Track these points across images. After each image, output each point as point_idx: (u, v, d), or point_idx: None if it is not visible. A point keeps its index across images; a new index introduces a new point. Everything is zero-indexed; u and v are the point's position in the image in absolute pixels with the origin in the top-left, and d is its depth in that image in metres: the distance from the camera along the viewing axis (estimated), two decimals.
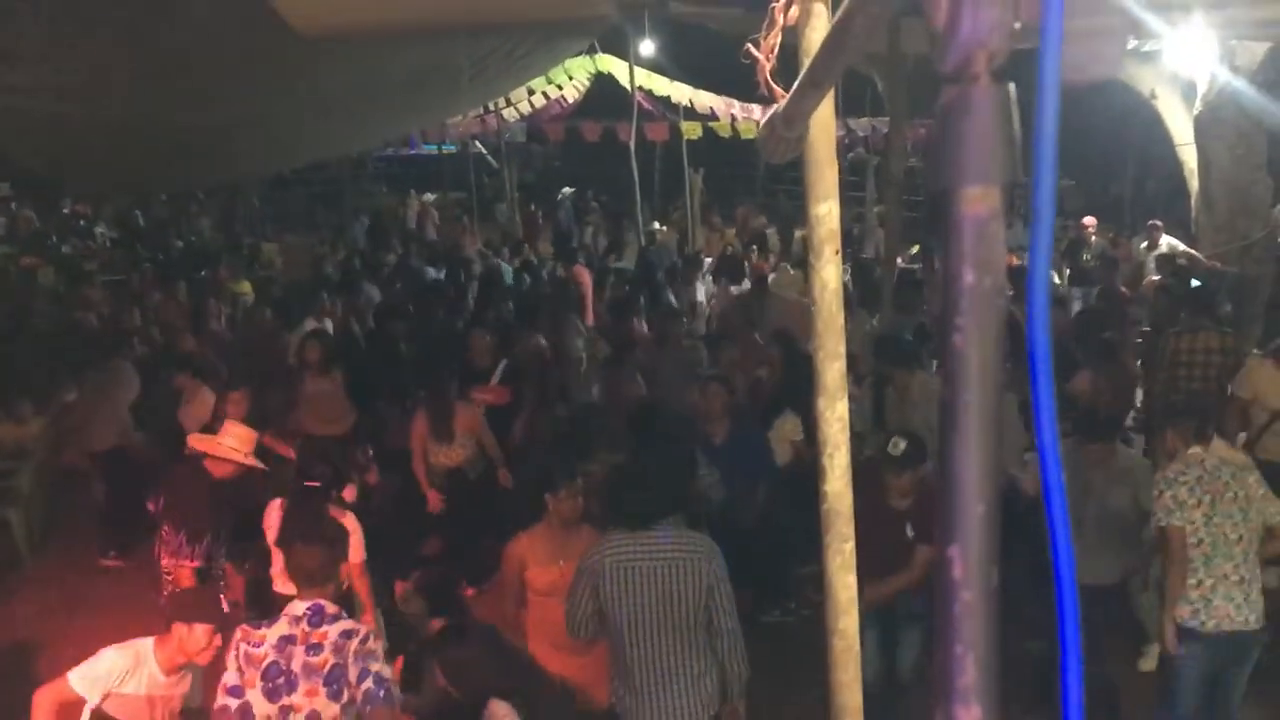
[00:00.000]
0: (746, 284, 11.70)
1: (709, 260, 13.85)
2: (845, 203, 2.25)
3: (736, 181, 24.63)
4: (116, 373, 8.25)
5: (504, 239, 17.42)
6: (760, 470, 6.55)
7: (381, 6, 6.85)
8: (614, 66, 17.72)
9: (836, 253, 2.04)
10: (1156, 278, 10.79)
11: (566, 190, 22.81)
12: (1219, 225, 9.15)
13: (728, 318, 10.20)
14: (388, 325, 9.81)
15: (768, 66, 2.01)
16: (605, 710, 4.44)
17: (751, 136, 17.68)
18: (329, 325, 9.50)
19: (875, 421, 6.64)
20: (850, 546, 2.14)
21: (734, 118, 18.69)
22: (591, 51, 17.58)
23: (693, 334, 9.81)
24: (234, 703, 3.73)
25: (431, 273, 13.11)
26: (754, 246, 15.27)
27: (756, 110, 17.53)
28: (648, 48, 14.26)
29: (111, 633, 4.23)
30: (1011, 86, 0.65)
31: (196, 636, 4.03)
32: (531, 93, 18.85)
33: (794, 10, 1.87)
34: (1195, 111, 9.17)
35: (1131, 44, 8.01)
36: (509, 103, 18.87)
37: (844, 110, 15.57)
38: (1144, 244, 12.76)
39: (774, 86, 2.01)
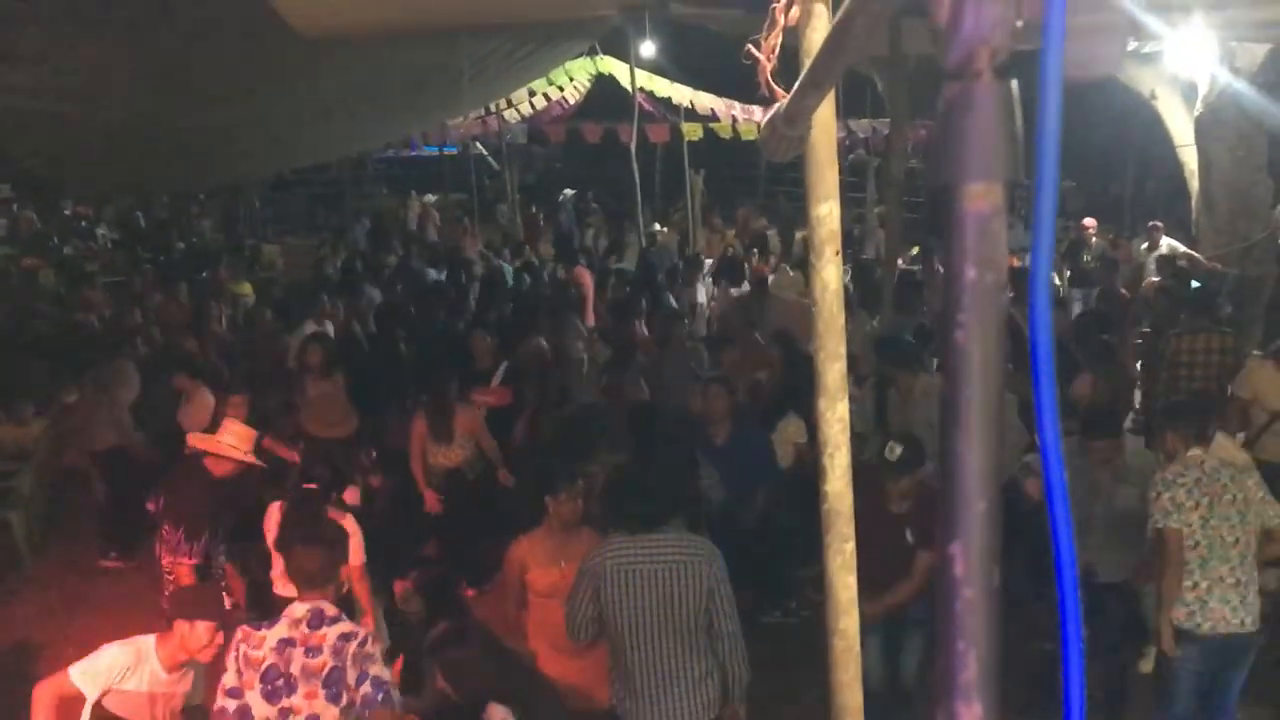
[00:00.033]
0: (746, 286, 11.71)
1: (709, 262, 13.85)
2: (846, 204, 2.25)
3: (737, 183, 24.64)
4: (118, 372, 8.25)
5: (505, 240, 17.42)
6: (762, 471, 6.54)
7: (381, 7, 6.85)
8: (615, 68, 17.74)
9: (837, 253, 2.04)
10: (1156, 279, 10.79)
11: (568, 192, 22.82)
12: (1219, 226, 9.15)
13: (728, 319, 10.21)
14: (388, 327, 9.81)
15: (769, 67, 2.01)
16: (606, 712, 4.44)
17: (752, 138, 17.71)
18: (329, 328, 9.49)
19: (878, 423, 6.64)
20: (850, 547, 2.14)
21: (735, 119, 18.70)
22: (592, 53, 17.60)
23: (693, 335, 9.81)
24: (233, 704, 3.73)
25: (432, 274, 13.11)
26: (754, 249, 15.27)
27: (757, 112, 17.53)
28: (648, 49, 14.26)
29: (112, 633, 4.23)
30: (1014, 84, 0.65)
31: (198, 634, 4.03)
32: (532, 94, 18.86)
33: (795, 11, 1.87)
34: (1196, 113, 9.18)
35: (1132, 45, 8.02)
36: (510, 104, 18.89)
37: (844, 111, 15.56)
38: (1144, 245, 12.77)
39: (775, 87, 2.01)
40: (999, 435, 0.64)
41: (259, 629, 3.80)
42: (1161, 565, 4.75)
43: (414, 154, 25.35)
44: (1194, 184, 9.81)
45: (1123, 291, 10.48)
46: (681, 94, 18.35)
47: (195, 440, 5.88)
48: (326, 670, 3.70)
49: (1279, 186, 9.25)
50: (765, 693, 4.84)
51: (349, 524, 5.25)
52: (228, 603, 4.37)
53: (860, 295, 9.71)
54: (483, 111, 18.71)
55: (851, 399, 2.19)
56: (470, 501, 7.12)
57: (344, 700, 3.72)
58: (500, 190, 22.04)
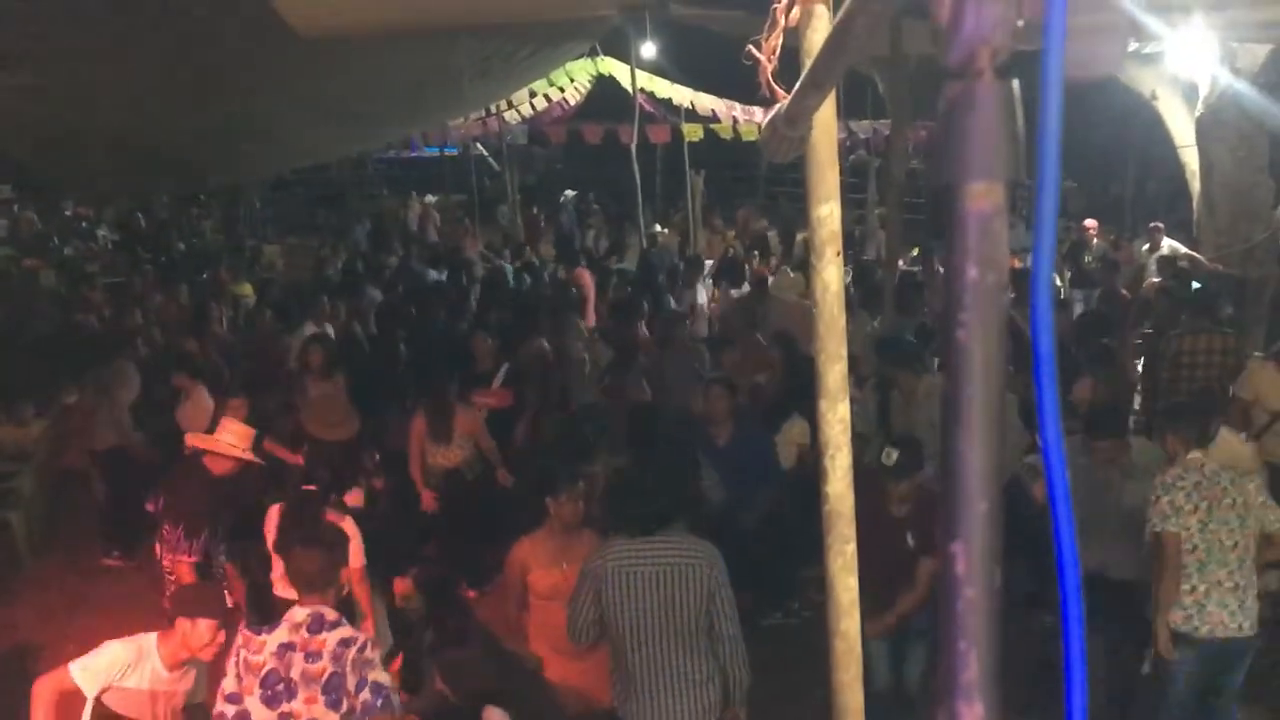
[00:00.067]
0: (746, 287, 11.70)
1: (710, 263, 13.85)
2: (846, 205, 2.25)
3: (738, 184, 24.66)
4: (118, 373, 8.25)
5: (505, 241, 17.43)
6: (763, 473, 6.54)
7: (382, 7, 6.85)
8: (615, 69, 17.74)
9: (838, 255, 2.04)
10: (1157, 280, 10.79)
11: (569, 193, 22.82)
12: (1220, 228, 9.15)
13: (729, 320, 10.21)
14: (389, 327, 9.81)
15: (769, 68, 2.01)
16: (607, 714, 4.43)
17: (753, 139, 17.70)
18: (329, 329, 9.49)
19: (880, 425, 6.63)
20: (851, 548, 2.14)
21: (735, 120, 18.71)
22: (593, 54, 17.61)
23: (694, 336, 9.81)
24: (231, 710, 3.72)
25: (433, 275, 13.11)
26: (755, 251, 15.28)
27: (758, 112, 17.49)
28: (649, 50, 14.26)
29: (113, 634, 4.22)
30: (1015, 84, 0.65)
31: (200, 632, 4.03)
32: (533, 95, 18.87)
33: (795, 11, 1.87)
34: (1196, 113, 9.17)
35: (1133, 46, 8.01)
36: (510, 105, 18.90)
37: (845, 112, 15.56)
38: (1145, 246, 12.77)
39: (776, 88, 2.01)
40: (1000, 435, 0.64)
41: (259, 634, 3.79)
42: (1159, 569, 4.76)
43: (414, 155, 25.37)
44: (1195, 185, 9.80)
45: (1124, 292, 10.48)
46: (682, 95, 18.36)
47: (194, 439, 5.89)
48: (326, 676, 3.70)
49: None
50: (766, 694, 4.84)
51: (348, 526, 5.25)
52: (229, 601, 4.36)
53: (861, 296, 9.71)
54: (483, 112, 18.73)
55: (852, 400, 2.18)
56: (468, 502, 7.12)
57: (344, 706, 3.71)
58: (501, 191, 22.05)
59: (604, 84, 18.78)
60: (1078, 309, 10.20)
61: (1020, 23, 0.64)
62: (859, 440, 4.43)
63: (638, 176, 14.27)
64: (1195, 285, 9.01)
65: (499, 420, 7.59)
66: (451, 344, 8.99)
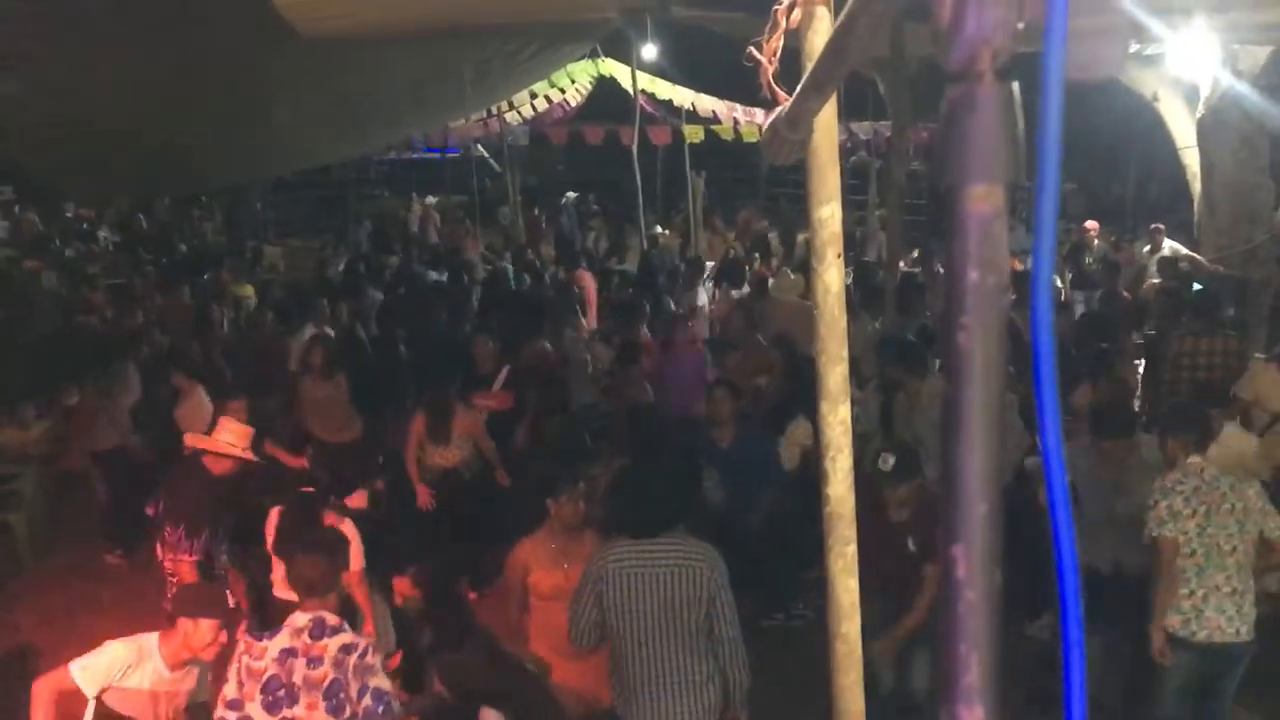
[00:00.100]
0: (747, 288, 11.71)
1: (710, 265, 13.86)
2: (847, 206, 2.24)
3: (739, 185, 24.66)
4: (120, 375, 8.25)
5: (507, 243, 17.43)
6: (766, 475, 6.55)
7: (384, 9, 6.86)
8: (616, 70, 17.76)
9: (839, 256, 2.04)
10: (1157, 281, 10.79)
11: (570, 195, 22.83)
12: (1221, 229, 9.14)
13: (729, 322, 10.21)
14: (389, 328, 9.82)
15: (770, 70, 2.01)
16: (607, 715, 4.43)
17: (753, 140, 17.73)
18: (329, 332, 9.50)
19: (884, 427, 6.63)
20: (852, 550, 2.14)
21: (736, 121, 18.73)
22: (594, 55, 17.63)
23: (697, 338, 9.82)
24: (233, 716, 3.72)
25: (433, 276, 13.12)
26: (756, 253, 15.28)
27: (759, 114, 17.55)
28: (650, 51, 14.28)
29: (115, 636, 4.22)
30: (1015, 86, 0.65)
31: (203, 632, 4.02)
32: (534, 96, 18.89)
33: (796, 13, 1.87)
34: (1198, 115, 9.17)
35: (1134, 47, 8.01)
36: (511, 106, 18.91)
37: (846, 113, 15.57)
38: (1147, 248, 12.77)
39: (777, 89, 2.01)
40: (1000, 438, 0.64)
41: (260, 640, 3.79)
42: (1155, 573, 4.77)
43: (415, 156, 25.37)
44: (1196, 186, 9.80)
45: (1125, 294, 10.48)
46: (683, 96, 18.38)
47: (193, 440, 5.90)
48: (327, 682, 3.69)
49: None
50: (768, 696, 4.83)
51: (348, 529, 5.25)
52: (230, 602, 4.36)
53: (862, 297, 9.71)
54: (484, 113, 18.73)
55: (854, 402, 2.18)
56: (465, 502, 7.12)
57: (346, 712, 3.71)
58: (502, 192, 22.05)
59: (605, 85, 18.81)
60: (1078, 310, 10.20)
61: (1021, 25, 0.64)
62: (860, 442, 4.43)
63: (638, 178, 14.28)
64: (1197, 287, 9.01)
65: (500, 423, 7.60)
66: (452, 345, 8.99)
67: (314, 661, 3.72)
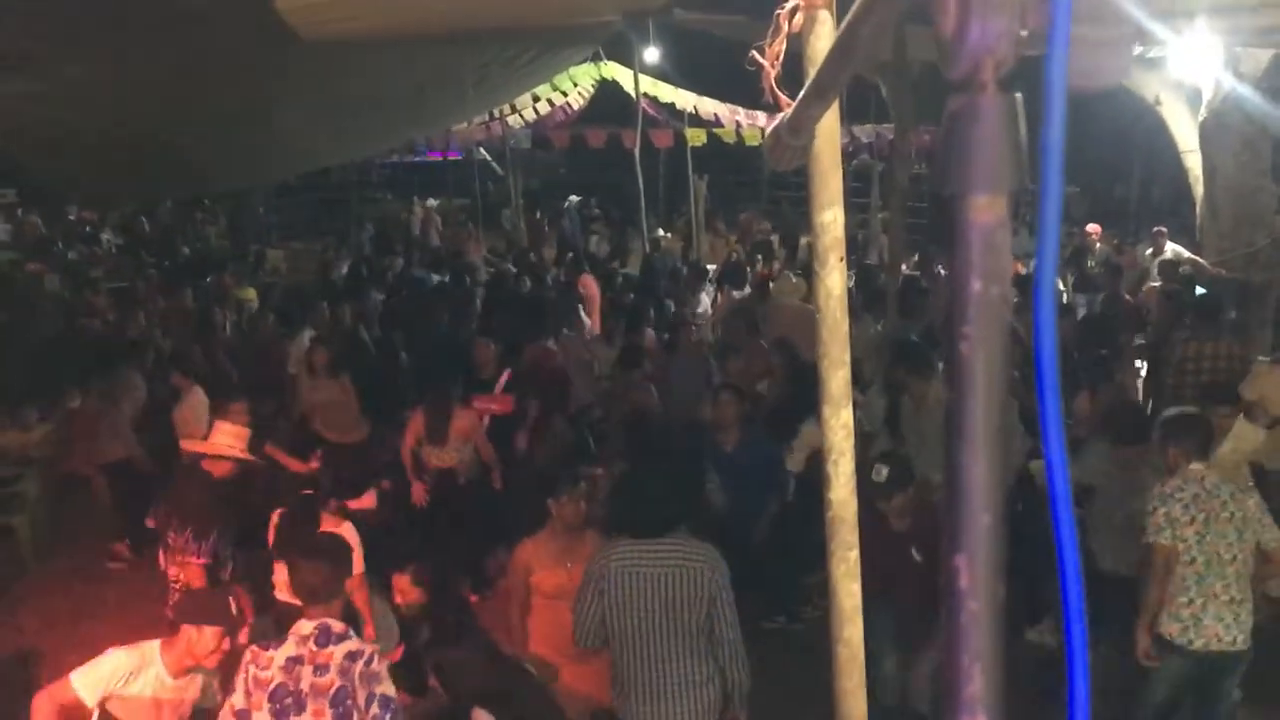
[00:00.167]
0: (748, 289, 11.71)
1: (712, 268, 13.87)
2: (849, 209, 2.24)
3: (741, 188, 24.67)
4: (125, 382, 8.26)
5: (509, 246, 17.44)
6: (770, 479, 6.55)
7: (386, 12, 6.86)
8: (618, 73, 17.77)
9: (841, 260, 2.03)
10: (1157, 283, 10.79)
11: (573, 198, 22.85)
12: (1224, 232, 9.13)
13: (730, 324, 10.22)
14: (388, 331, 9.84)
15: (773, 74, 2.01)
16: (607, 716, 4.43)
17: (756, 143, 17.73)
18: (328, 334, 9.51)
19: (889, 429, 6.62)
20: (854, 555, 2.13)
21: (738, 124, 18.75)
22: (596, 58, 17.64)
23: (701, 341, 9.83)
24: None
25: (435, 278, 13.14)
26: (759, 255, 15.29)
27: (761, 117, 17.59)
28: (652, 54, 14.29)
29: (117, 640, 4.22)
30: (1018, 95, 0.65)
31: (205, 639, 4.01)
32: (536, 99, 18.90)
33: (799, 17, 1.87)
34: (1200, 118, 9.16)
35: (1136, 50, 7.99)
36: (514, 109, 18.92)
37: (849, 117, 15.58)
38: (1149, 251, 12.76)
39: (779, 94, 2.01)
40: (1004, 448, 0.64)
41: (267, 649, 3.79)
42: (1144, 575, 4.78)
43: (417, 159, 25.40)
44: (1198, 189, 9.79)
45: (1127, 297, 10.47)
46: (685, 99, 18.39)
47: (190, 445, 5.90)
48: (334, 690, 3.69)
49: None
50: (769, 699, 4.83)
51: (347, 531, 5.25)
52: (233, 608, 4.36)
53: (864, 300, 9.72)
54: (486, 116, 18.75)
55: (856, 405, 2.18)
56: (460, 503, 7.12)
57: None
58: (504, 195, 22.07)
59: (607, 88, 18.82)
60: (1080, 313, 10.20)
61: (1024, 33, 0.63)
62: (862, 444, 4.42)
63: (641, 181, 14.28)
64: (1200, 291, 9.01)
65: (501, 426, 7.60)
66: (453, 348, 9.00)
67: (320, 669, 3.72)
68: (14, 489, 8.17)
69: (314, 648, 3.76)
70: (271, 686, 3.69)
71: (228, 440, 5.63)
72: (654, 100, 18.16)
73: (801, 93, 1.73)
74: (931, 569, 4.85)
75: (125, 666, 3.92)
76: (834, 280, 2.04)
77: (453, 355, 8.60)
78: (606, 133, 19.25)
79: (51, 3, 5.71)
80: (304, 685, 3.70)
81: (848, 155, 18.53)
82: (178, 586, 5.37)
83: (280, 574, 5.35)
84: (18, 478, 8.30)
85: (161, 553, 5.60)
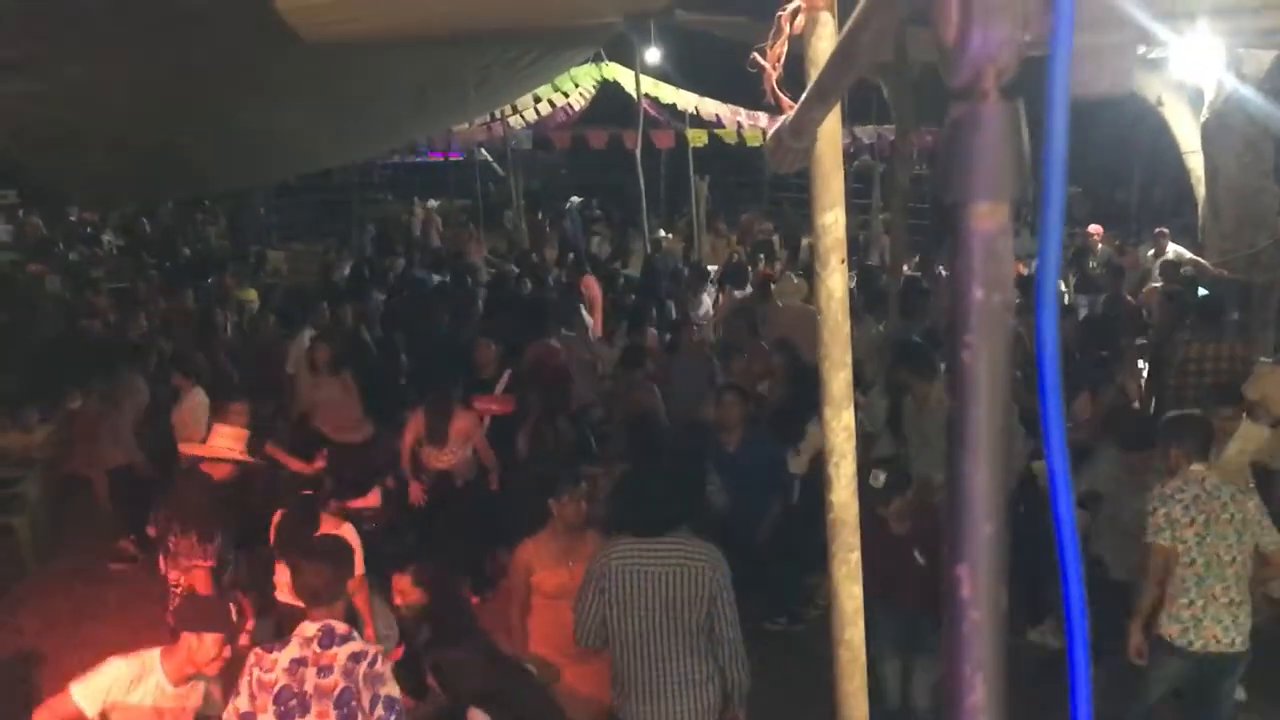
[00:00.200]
0: (749, 289, 11.71)
1: (713, 269, 13.88)
2: (851, 210, 2.24)
3: (742, 189, 24.67)
4: (127, 384, 8.26)
5: (511, 247, 17.44)
6: (772, 480, 6.55)
7: (387, 14, 6.86)
8: (620, 74, 17.77)
9: (842, 261, 2.03)
10: (1158, 284, 10.78)
11: (575, 199, 22.86)
12: (1226, 233, 9.12)
13: (731, 324, 10.22)
14: (389, 332, 9.84)
15: (774, 75, 2.01)
16: (607, 717, 4.43)
17: (757, 144, 17.73)
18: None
19: (892, 430, 6.62)
20: (856, 557, 2.13)
21: (739, 125, 18.73)
22: (597, 59, 17.63)
23: (704, 342, 9.83)
24: None
25: (435, 279, 13.14)
26: (761, 255, 15.29)
27: (762, 117, 17.58)
28: (653, 55, 14.28)
29: (118, 640, 4.22)
30: (1020, 103, 0.65)
31: (206, 646, 4.00)
32: (538, 100, 18.89)
33: (800, 19, 1.87)
34: (1202, 119, 9.15)
35: (1139, 51, 7.97)
36: (515, 110, 18.91)
37: (850, 118, 15.57)
38: (1151, 252, 12.76)
39: (780, 96, 2.01)
40: (1006, 455, 0.64)
41: (270, 651, 3.78)
42: (1141, 575, 4.79)
43: (419, 160, 25.40)
44: (1200, 190, 9.78)
45: (1129, 298, 10.47)
46: (686, 100, 18.38)
47: (188, 449, 5.90)
48: (338, 691, 3.69)
49: None
50: (770, 700, 4.83)
51: (348, 533, 5.25)
52: (234, 613, 4.35)
53: (866, 301, 9.71)
54: (488, 117, 18.75)
55: (857, 406, 2.18)
56: (457, 504, 7.12)
57: None
58: (505, 196, 22.07)
59: (608, 89, 18.81)
60: (1082, 314, 10.20)
61: (1026, 38, 0.63)
62: (864, 445, 4.42)
63: (642, 181, 14.28)
64: (1202, 292, 9.00)
65: (502, 427, 7.60)
66: (454, 348, 9.00)
67: (324, 670, 3.72)
68: (15, 490, 8.17)
69: (318, 649, 3.76)
70: (276, 689, 3.69)
71: (227, 443, 5.62)
72: (655, 101, 18.15)
73: (803, 96, 1.73)
74: (934, 571, 4.85)
75: (125, 676, 3.90)
76: (835, 282, 2.03)
77: (453, 356, 8.60)
78: (608, 133, 19.24)
79: (52, 3, 5.71)
80: (308, 687, 3.70)
81: (849, 156, 18.53)
82: (178, 591, 5.36)
83: (282, 575, 5.35)
84: (19, 479, 8.30)
85: (162, 557, 5.59)
